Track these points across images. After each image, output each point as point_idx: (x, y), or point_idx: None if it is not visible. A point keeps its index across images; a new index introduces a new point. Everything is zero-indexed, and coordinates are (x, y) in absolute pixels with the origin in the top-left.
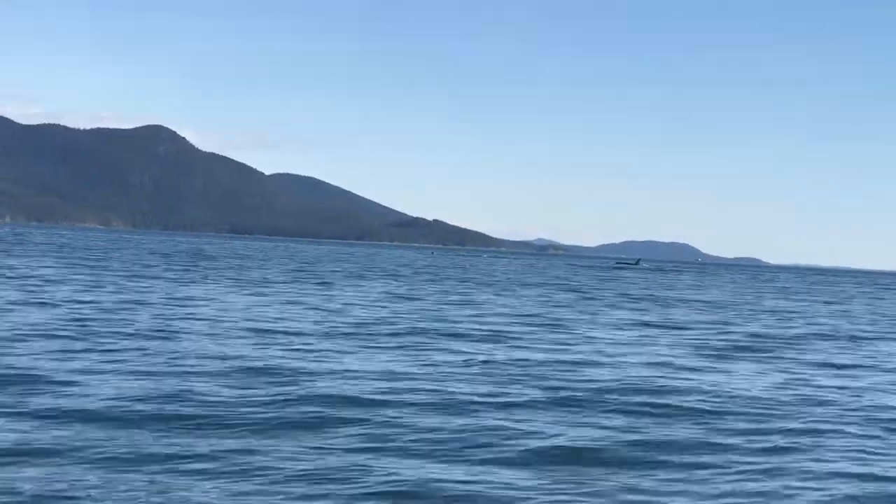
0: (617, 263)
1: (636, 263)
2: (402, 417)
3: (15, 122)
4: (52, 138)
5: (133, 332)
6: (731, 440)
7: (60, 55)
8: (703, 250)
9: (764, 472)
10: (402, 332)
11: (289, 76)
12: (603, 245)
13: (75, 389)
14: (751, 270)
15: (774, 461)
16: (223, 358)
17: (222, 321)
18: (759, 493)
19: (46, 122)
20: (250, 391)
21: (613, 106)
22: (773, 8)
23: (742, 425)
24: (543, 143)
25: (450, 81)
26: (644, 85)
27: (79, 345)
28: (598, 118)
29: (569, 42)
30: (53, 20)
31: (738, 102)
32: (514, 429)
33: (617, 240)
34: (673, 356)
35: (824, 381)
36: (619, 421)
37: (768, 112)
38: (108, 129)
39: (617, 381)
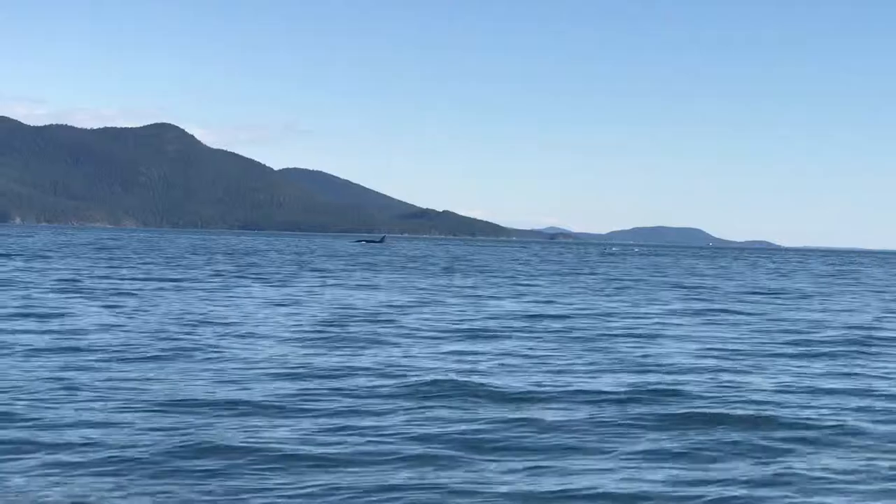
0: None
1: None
2: None
3: (22, 123)
4: (60, 138)
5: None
6: None
7: (66, 55)
8: (714, 234)
9: None
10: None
11: (294, 70)
12: (613, 231)
13: None
14: (765, 253)
15: None
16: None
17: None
18: None
19: (54, 123)
20: None
21: (620, 90)
22: None
23: None
24: (551, 131)
25: (456, 71)
26: (651, 67)
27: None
28: (605, 103)
29: (573, 23)
30: (57, 20)
31: (745, 85)
32: None
33: (627, 226)
34: None
35: None
36: None
37: (776, 94)
38: (115, 127)
39: None
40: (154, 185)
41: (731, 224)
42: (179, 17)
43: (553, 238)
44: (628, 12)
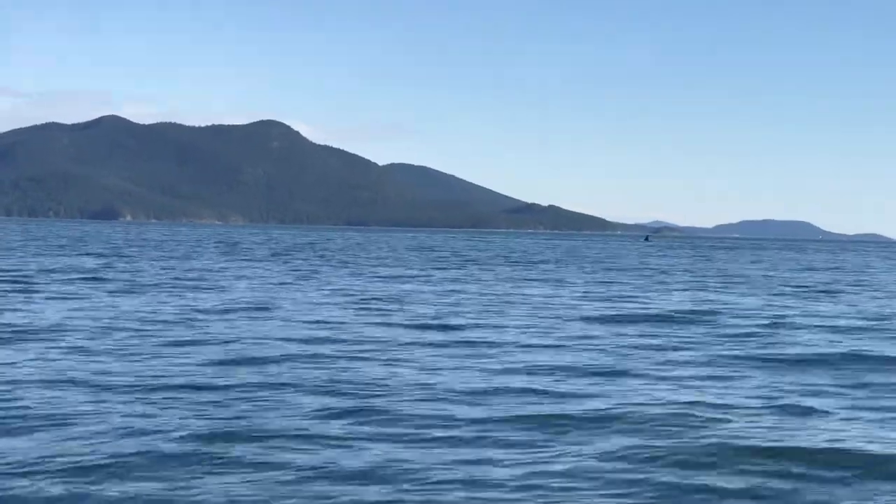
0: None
1: (646, 240)
2: None
3: (133, 123)
4: (168, 137)
5: None
6: None
7: (175, 55)
8: (823, 227)
9: None
10: None
11: (400, 66)
12: (720, 225)
13: None
14: (879, 246)
15: None
16: None
17: None
18: None
19: (163, 121)
20: None
21: (727, 84)
22: None
23: None
24: (657, 124)
25: (561, 65)
26: (758, 61)
27: None
28: (711, 97)
29: (675, 18)
30: (167, 21)
31: (852, 77)
32: None
33: (734, 219)
34: None
35: None
36: None
37: (883, 84)
38: (222, 125)
39: None
40: (259, 182)
41: (840, 217)
42: (285, 16)
43: (657, 232)
44: (736, 3)
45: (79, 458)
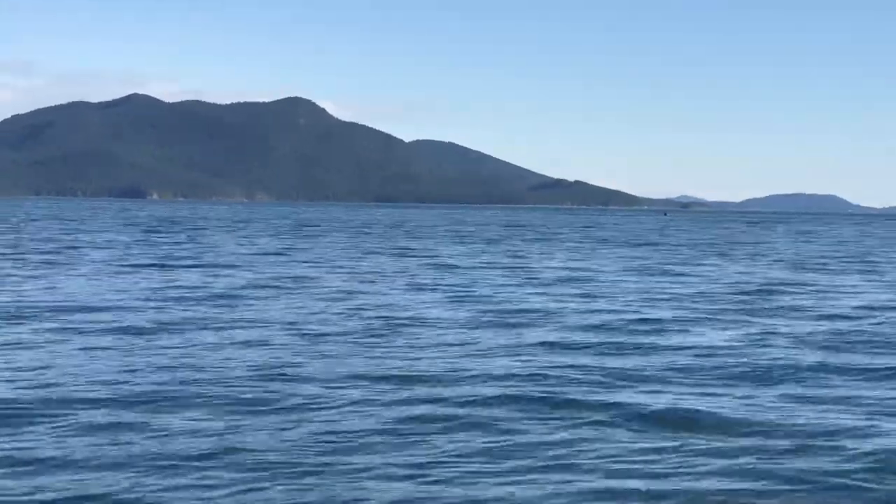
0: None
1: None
2: None
3: (159, 101)
4: (194, 115)
5: None
6: None
7: (199, 33)
8: (852, 201)
9: None
10: None
11: (424, 43)
12: (748, 199)
13: None
14: None
15: None
16: None
17: None
18: None
19: (190, 99)
20: None
21: (755, 59)
22: None
23: None
24: (683, 98)
25: (587, 41)
26: (786, 37)
27: None
28: (738, 71)
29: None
30: (193, 5)
31: (882, 50)
32: None
33: (761, 193)
34: None
35: None
36: None
37: None
38: (248, 102)
39: None
40: (287, 160)
41: (869, 191)
42: None
43: (686, 207)
44: None
45: None
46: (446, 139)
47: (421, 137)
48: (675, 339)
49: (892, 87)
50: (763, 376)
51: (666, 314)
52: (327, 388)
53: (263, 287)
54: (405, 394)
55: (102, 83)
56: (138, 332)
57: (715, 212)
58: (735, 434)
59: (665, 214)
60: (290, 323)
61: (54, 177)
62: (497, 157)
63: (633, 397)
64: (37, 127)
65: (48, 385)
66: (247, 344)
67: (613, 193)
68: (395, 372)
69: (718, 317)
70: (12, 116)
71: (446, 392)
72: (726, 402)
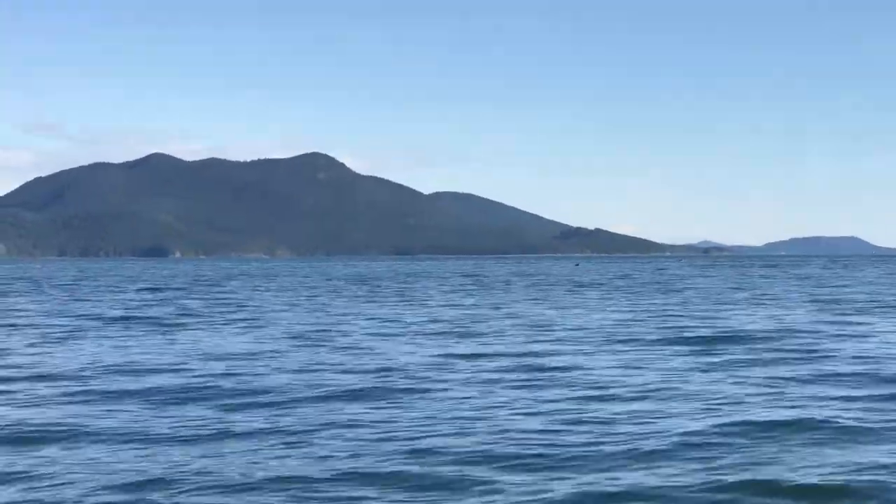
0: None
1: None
2: None
3: (179, 160)
4: (214, 172)
5: None
6: None
7: (219, 92)
8: (874, 243)
9: None
10: None
11: (439, 94)
12: (769, 243)
13: None
14: None
15: None
16: None
17: None
18: None
19: (210, 157)
20: None
21: (773, 103)
22: None
23: None
24: (704, 143)
25: (605, 88)
26: (802, 81)
27: None
28: (757, 116)
29: (721, 43)
30: (209, 63)
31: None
32: None
33: (784, 237)
34: None
35: None
36: None
37: None
38: (268, 159)
39: None
40: (307, 215)
41: (892, 231)
42: (322, 51)
43: (706, 252)
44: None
45: None
46: (465, 190)
47: (440, 189)
48: None
49: None
50: None
51: None
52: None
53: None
54: None
55: (124, 142)
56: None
57: (735, 256)
58: None
59: (680, 260)
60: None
61: (78, 237)
62: (516, 206)
63: None
64: (59, 188)
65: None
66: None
67: (634, 240)
68: None
69: None
70: (35, 179)
71: None
72: None
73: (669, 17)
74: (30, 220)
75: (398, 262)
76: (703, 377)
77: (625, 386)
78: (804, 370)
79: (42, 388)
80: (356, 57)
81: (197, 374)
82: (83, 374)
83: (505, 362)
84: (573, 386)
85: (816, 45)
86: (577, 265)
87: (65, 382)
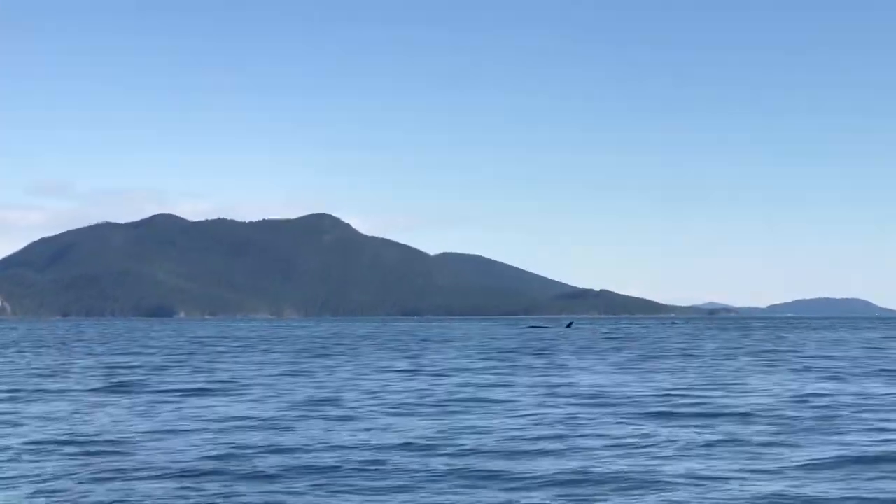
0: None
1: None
2: None
3: (184, 220)
4: (219, 232)
5: None
6: None
7: (224, 152)
8: (878, 304)
9: None
10: None
11: (442, 156)
12: (774, 305)
13: None
14: None
15: None
16: None
17: None
18: None
19: (215, 217)
20: None
21: (778, 163)
22: None
23: None
24: (709, 205)
25: (609, 147)
26: (805, 137)
27: None
28: (764, 175)
29: (728, 116)
30: (215, 120)
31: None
32: None
33: (788, 299)
34: None
35: None
36: None
37: None
38: (273, 219)
39: None
40: (313, 276)
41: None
42: (329, 108)
43: (713, 314)
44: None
45: None
46: (470, 251)
47: (446, 250)
48: None
49: None
50: None
51: None
52: None
53: None
54: None
55: (129, 202)
56: None
57: (742, 318)
58: None
59: (673, 324)
60: None
61: (82, 297)
62: (523, 267)
63: None
64: (63, 249)
65: None
66: None
67: (639, 302)
68: None
69: None
70: (40, 239)
71: None
72: None
73: (678, 81)
74: (35, 280)
75: (416, 323)
76: None
77: None
78: None
79: None
80: (363, 118)
81: None
82: None
83: None
84: None
85: (818, 104)
86: (570, 326)
87: None
